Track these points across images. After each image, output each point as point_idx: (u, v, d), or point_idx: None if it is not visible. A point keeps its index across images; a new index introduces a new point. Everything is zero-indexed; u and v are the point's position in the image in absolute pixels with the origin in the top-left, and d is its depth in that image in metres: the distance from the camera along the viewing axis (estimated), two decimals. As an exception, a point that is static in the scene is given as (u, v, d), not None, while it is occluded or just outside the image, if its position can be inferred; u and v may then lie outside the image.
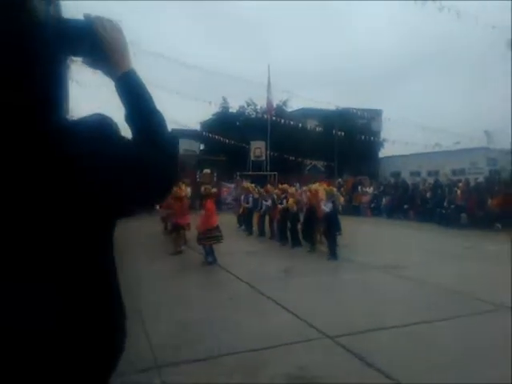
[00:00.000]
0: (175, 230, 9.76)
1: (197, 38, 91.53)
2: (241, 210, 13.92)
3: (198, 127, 29.98)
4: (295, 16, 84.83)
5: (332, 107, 27.64)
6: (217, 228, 8.37)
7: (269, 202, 11.97)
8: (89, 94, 11.95)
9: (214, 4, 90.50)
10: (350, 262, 8.61)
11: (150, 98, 1.05)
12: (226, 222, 14.55)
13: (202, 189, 9.32)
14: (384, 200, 19.91)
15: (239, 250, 10.02)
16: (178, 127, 27.00)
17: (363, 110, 29.33)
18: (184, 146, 25.02)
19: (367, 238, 12.79)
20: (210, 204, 8.44)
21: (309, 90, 60.64)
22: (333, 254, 8.89)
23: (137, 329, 4.74)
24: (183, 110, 58.72)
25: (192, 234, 9.41)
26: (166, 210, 10.92)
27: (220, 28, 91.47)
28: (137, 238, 12.32)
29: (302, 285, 6.86)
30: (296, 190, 12.18)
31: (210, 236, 8.26)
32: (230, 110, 31.23)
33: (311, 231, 10.19)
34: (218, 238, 8.30)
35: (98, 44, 0.97)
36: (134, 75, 1.02)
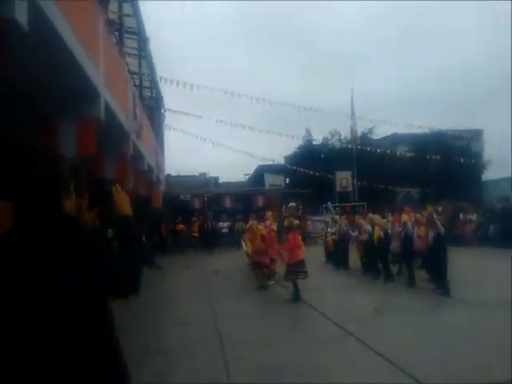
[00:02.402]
0: (259, 267, 9.63)
1: (278, 72, 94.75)
2: (328, 243, 13.35)
3: (282, 161, 30.32)
4: (377, 43, 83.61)
5: (425, 130, 26.00)
6: (301, 262, 8.04)
7: (356, 233, 11.29)
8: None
9: (287, 34, 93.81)
10: (455, 300, 7.53)
11: (131, 231, 1.64)
12: (313, 255, 14.13)
13: (285, 222, 9.15)
14: (491, 228, 17.58)
15: (326, 285, 9.53)
16: (264, 163, 27.71)
17: (461, 131, 26.97)
18: (269, 180, 25.38)
19: (475, 271, 11.19)
20: (292, 237, 8.19)
21: (398, 115, 58.19)
22: (443, 288, 7.85)
23: (219, 368, 4.61)
24: (268, 146, 60.50)
25: (281, 268, 9.18)
26: (249, 247, 10.91)
27: (299, 60, 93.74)
28: (226, 271, 12.53)
29: (396, 325, 6.13)
30: (387, 220, 11.33)
31: (293, 271, 7.96)
32: (314, 142, 31.17)
33: (407, 264, 9.28)
34: (302, 274, 7.94)
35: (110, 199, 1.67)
36: (126, 218, 1.67)
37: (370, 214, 12.54)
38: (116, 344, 1.55)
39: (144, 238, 13.69)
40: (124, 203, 1.66)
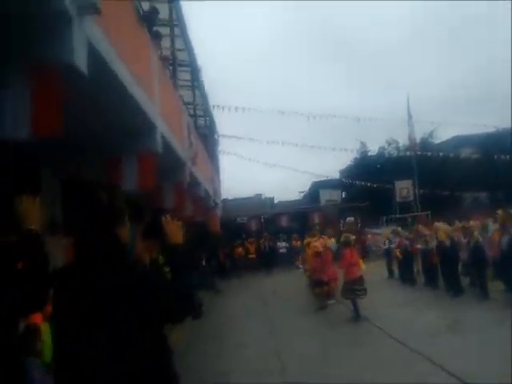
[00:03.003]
0: (317, 286, 9.48)
1: (326, 85, 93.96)
2: (391, 257, 12.85)
3: (337, 176, 29.86)
4: (426, 44, 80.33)
5: (490, 130, 24.34)
6: (359, 279, 7.81)
7: (420, 245, 10.75)
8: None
9: (331, 45, 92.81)
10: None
11: (183, 259, 1.73)
12: (375, 270, 13.64)
13: (342, 237, 9.00)
14: None
15: (389, 302, 9.09)
16: (318, 179, 27.47)
17: (531, 128, 24.85)
18: (325, 196, 25.05)
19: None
20: (349, 253, 8.00)
21: (457, 116, 54.84)
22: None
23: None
24: (322, 162, 59.85)
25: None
26: (307, 265, 10.82)
27: (346, 70, 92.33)
28: (285, 291, 12.48)
29: (469, 342, 5.67)
30: (454, 228, 10.68)
31: (351, 288, 7.74)
32: (370, 153, 30.41)
33: (479, 274, 8.66)
34: (361, 291, 7.71)
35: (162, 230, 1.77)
36: (178, 247, 1.76)
37: (436, 223, 11.93)
38: (172, 368, 1.61)
39: (203, 263, 14.19)
40: (175, 232, 1.74)
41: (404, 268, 11.72)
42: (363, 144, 30.27)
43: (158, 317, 1.53)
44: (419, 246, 10.88)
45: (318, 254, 9.52)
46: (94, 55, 3.60)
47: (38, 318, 3.00)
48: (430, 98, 56.32)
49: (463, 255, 9.30)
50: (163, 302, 1.53)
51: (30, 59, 3.24)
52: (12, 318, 2.15)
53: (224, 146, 22.98)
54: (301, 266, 12.00)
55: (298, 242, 16.47)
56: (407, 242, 11.69)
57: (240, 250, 19.98)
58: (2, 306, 1.97)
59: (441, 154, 24.05)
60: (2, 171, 4.82)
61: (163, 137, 6.56)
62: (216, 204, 17.65)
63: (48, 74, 3.23)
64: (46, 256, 1.94)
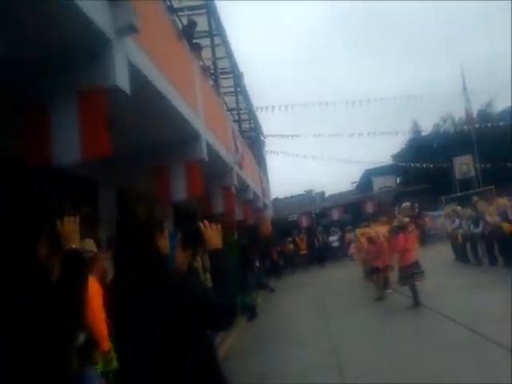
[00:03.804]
0: (374, 274, 9.28)
1: (369, 67, 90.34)
2: (453, 239, 12.21)
3: (390, 161, 28.75)
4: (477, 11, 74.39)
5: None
6: (415, 264, 7.50)
7: (480, 225, 10.14)
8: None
9: (373, 24, 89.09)
10: None
11: (223, 263, 1.72)
12: (437, 253, 13.04)
13: (394, 222, 8.75)
14: None
15: (452, 286, 8.59)
16: (370, 166, 26.67)
17: None
18: (378, 184, 24.26)
19: None
20: (402, 238, 7.71)
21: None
22: None
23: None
24: (373, 148, 57.75)
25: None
26: (362, 253, 10.61)
27: (389, 48, 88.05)
28: (337, 284, 12.29)
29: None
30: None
31: (407, 274, 7.44)
32: (424, 133, 28.97)
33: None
34: (418, 275, 7.40)
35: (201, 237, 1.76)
36: (217, 251, 1.75)
37: (499, 199, 11.17)
38: (218, 377, 1.61)
39: (257, 264, 14.39)
40: (214, 237, 1.73)
41: (465, 249, 11.10)
42: (415, 123, 28.94)
43: (197, 327, 1.53)
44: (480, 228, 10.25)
45: (371, 240, 9.31)
46: (136, 74, 3.74)
47: (103, 330, 3.11)
48: (485, 69, 52.32)
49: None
50: (201, 313, 1.52)
51: (74, 85, 3.39)
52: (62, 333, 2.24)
53: (271, 146, 23.13)
54: (354, 258, 11.74)
55: (351, 234, 16.15)
56: (470, 221, 11.02)
57: (291, 247, 19.92)
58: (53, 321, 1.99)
59: (501, 123, 22.34)
60: (59, 194, 5.27)
61: (208, 144, 6.74)
62: (266, 205, 17.80)
63: (92, 97, 3.38)
64: (86, 273, 2.13)
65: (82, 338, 2.98)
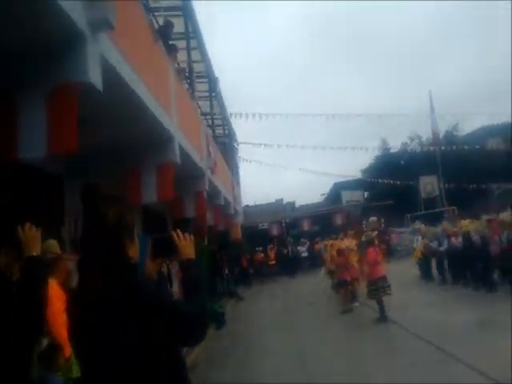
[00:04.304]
0: (341, 286, 9.36)
1: (343, 84, 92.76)
2: (417, 255, 12.53)
3: (359, 175, 29.49)
4: (445, 34, 78.40)
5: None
6: (383, 278, 7.61)
7: (445, 243, 10.47)
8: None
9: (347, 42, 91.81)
10: None
11: (196, 274, 1.65)
12: (402, 270, 13.32)
13: (363, 236, 8.88)
14: None
15: (417, 302, 8.77)
16: (339, 180, 27.20)
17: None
18: (347, 197, 24.74)
19: None
20: (371, 252, 7.83)
21: (481, 107, 53.32)
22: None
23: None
24: (343, 162, 59.24)
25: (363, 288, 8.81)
26: (330, 264, 10.70)
27: (364, 69, 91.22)
28: (304, 295, 12.34)
29: (505, 341, 5.44)
30: (481, 222, 10.33)
31: (376, 288, 7.54)
32: (392, 151, 29.97)
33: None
34: (386, 289, 7.51)
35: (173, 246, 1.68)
36: (190, 261, 1.67)
37: (463, 221, 11.63)
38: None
39: (226, 271, 14.27)
40: (187, 246, 1.67)
41: (427, 267, 11.43)
42: (384, 141, 29.90)
43: (169, 339, 1.44)
44: (444, 245, 10.60)
45: (340, 253, 9.44)
46: (110, 71, 3.64)
47: (64, 334, 3.04)
48: (452, 94, 55.10)
49: (494, 250, 8.98)
50: (174, 323, 1.43)
51: (45, 77, 3.29)
52: (23, 339, 2.18)
53: (244, 153, 23.13)
54: (322, 269, 11.85)
55: (320, 245, 16.32)
56: (433, 239, 11.40)
57: (261, 256, 19.96)
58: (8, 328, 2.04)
59: (466, 146, 23.42)
60: (23, 190, 4.99)
61: (181, 148, 6.61)
62: (237, 212, 17.74)
63: (62, 91, 3.27)
64: (45, 280, 2.19)
65: (45, 342, 2.88)
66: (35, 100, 3.31)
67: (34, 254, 2.14)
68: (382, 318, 7.49)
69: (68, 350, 3.02)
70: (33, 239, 2.12)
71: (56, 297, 2.78)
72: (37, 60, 3.28)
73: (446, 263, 10.90)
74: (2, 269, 2.43)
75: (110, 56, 3.66)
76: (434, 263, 11.48)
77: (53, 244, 3.27)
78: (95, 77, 3.33)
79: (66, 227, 5.84)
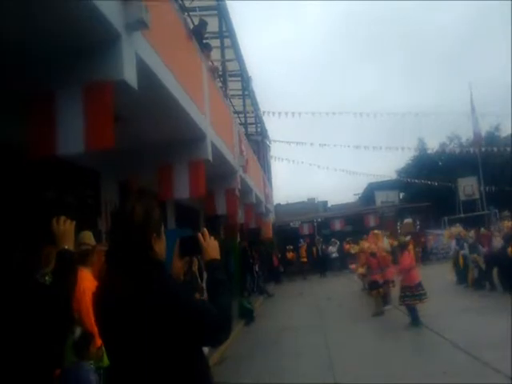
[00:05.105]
0: (374, 289, 9.14)
1: (379, 81, 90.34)
2: (457, 260, 12.01)
3: (394, 176, 28.65)
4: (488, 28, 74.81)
5: None
6: (419, 285, 7.31)
7: (484, 248, 10.00)
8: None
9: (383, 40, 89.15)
10: None
11: (221, 275, 1.62)
12: (438, 274, 12.86)
13: (397, 241, 8.63)
14: None
15: (454, 308, 8.43)
16: (374, 180, 26.56)
17: None
18: (381, 198, 24.16)
19: None
20: (405, 258, 7.49)
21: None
22: None
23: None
24: (378, 162, 57.79)
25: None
26: (363, 266, 10.46)
27: (402, 64, 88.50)
28: (338, 297, 12.12)
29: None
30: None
31: (410, 295, 7.26)
32: (429, 151, 28.91)
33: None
34: (421, 297, 7.20)
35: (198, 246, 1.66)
36: (215, 262, 1.64)
37: (505, 222, 11.08)
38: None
39: (257, 268, 14.33)
40: (212, 247, 1.65)
41: (467, 272, 10.95)
42: (421, 140, 28.90)
43: (192, 341, 1.43)
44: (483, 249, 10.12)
45: (373, 255, 9.22)
46: (145, 70, 3.72)
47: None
48: (494, 93, 52.45)
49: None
50: (199, 325, 1.41)
51: (82, 76, 3.39)
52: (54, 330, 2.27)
53: (276, 152, 23.11)
54: (354, 271, 11.62)
55: (351, 246, 16.00)
56: (473, 243, 10.90)
57: (292, 254, 19.90)
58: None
59: (508, 148, 22.25)
60: (63, 184, 5.22)
61: (214, 145, 6.71)
62: (268, 210, 17.75)
63: (98, 89, 3.37)
64: (75, 274, 2.26)
65: (78, 331, 2.94)
66: (73, 98, 3.42)
67: (66, 247, 2.20)
68: (416, 322, 7.25)
69: (99, 340, 3.13)
70: (66, 232, 2.17)
71: (89, 287, 2.78)
72: (74, 60, 3.39)
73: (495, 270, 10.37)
74: (43, 263, 2.56)
75: (144, 55, 3.74)
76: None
77: (88, 235, 3.32)
78: (130, 75, 3.42)
79: (103, 219, 6.07)
